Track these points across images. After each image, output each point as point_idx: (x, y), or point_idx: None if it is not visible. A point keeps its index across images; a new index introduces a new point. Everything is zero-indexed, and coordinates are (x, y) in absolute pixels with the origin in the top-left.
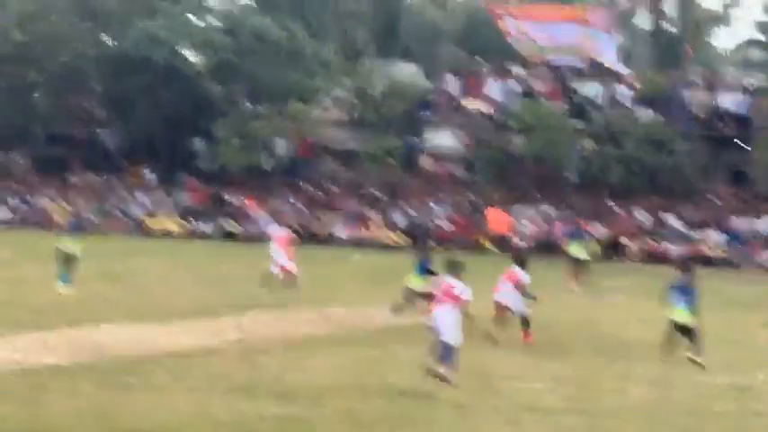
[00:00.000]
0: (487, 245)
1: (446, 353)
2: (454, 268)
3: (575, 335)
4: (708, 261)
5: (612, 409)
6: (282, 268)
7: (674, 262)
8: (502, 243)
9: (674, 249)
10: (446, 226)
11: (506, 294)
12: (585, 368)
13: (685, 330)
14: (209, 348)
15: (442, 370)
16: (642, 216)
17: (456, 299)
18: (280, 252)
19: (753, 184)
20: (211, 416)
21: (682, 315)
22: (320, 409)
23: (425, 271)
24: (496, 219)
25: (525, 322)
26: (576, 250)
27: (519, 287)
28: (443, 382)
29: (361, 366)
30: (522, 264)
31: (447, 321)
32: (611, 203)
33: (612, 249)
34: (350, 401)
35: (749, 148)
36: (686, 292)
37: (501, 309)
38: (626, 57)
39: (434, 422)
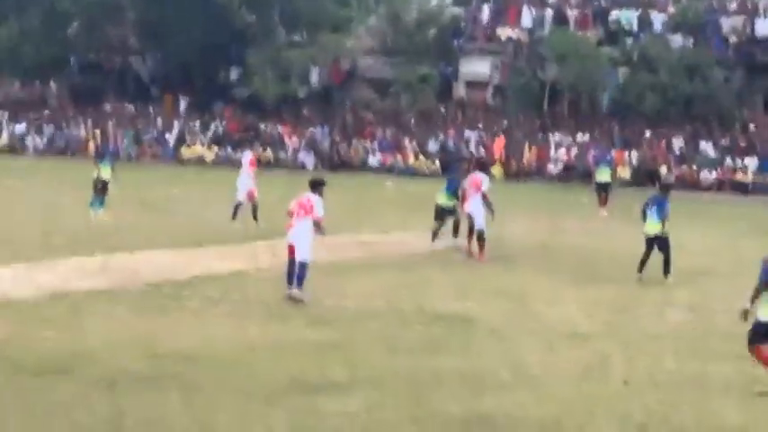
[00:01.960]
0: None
1: (301, 272)
2: (316, 185)
3: (609, 260)
4: (743, 187)
5: (649, 334)
6: (250, 193)
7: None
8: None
9: (708, 176)
10: (493, 153)
11: (473, 204)
12: (622, 294)
13: (658, 245)
14: (244, 273)
15: (296, 291)
16: (677, 143)
17: (310, 211)
18: (248, 177)
19: None
20: (247, 340)
21: (653, 226)
22: (356, 334)
23: (454, 190)
24: (495, 145)
25: (480, 237)
26: (602, 174)
27: (483, 196)
28: (299, 303)
29: (397, 291)
30: (483, 168)
31: (302, 239)
32: (646, 131)
33: (647, 176)
34: (385, 326)
35: None
36: (660, 205)
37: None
38: None
39: (470, 346)
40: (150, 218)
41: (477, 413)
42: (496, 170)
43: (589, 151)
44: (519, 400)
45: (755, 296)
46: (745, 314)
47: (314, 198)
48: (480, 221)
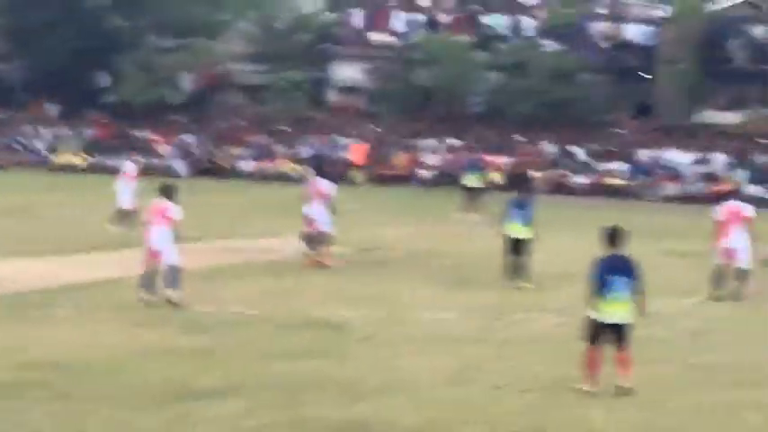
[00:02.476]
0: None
1: (173, 275)
2: (167, 191)
3: (481, 265)
4: (614, 192)
5: (521, 338)
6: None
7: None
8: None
9: (579, 180)
10: (351, 158)
11: (316, 210)
12: (494, 298)
13: (520, 249)
14: (114, 281)
15: (172, 293)
16: (549, 148)
17: (169, 219)
18: (127, 187)
19: (657, 116)
20: (120, 347)
21: (517, 229)
22: (230, 340)
23: None
24: (357, 152)
25: (322, 242)
26: (471, 180)
27: (327, 201)
28: (177, 306)
29: (271, 297)
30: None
31: (165, 244)
32: (517, 135)
33: (519, 181)
34: (259, 332)
35: (653, 79)
36: (523, 207)
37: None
38: None
39: (344, 352)
40: (17, 224)
41: (352, 418)
42: (359, 175)
43: (460, 156)
44: (393, 405)
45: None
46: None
47: (167, 203)
48: (324, 226)
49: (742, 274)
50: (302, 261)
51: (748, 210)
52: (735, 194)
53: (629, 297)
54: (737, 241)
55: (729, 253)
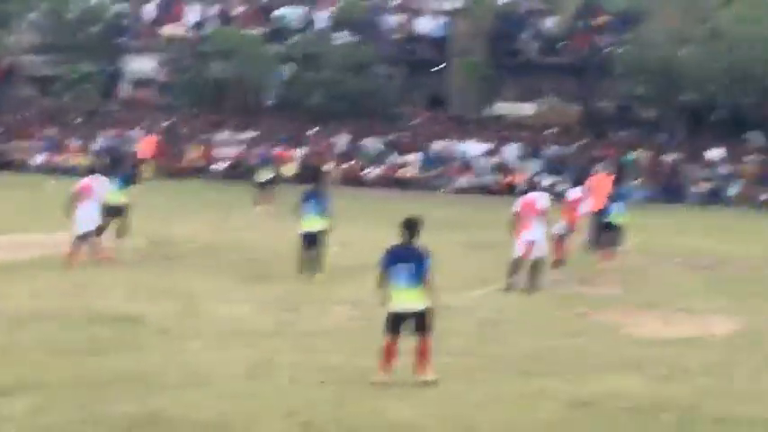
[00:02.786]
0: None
1: None
2: None
3: (276, 258)
4: (405, 183)
5: (316, 331)
6: None
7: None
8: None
9: (372, 172)
10: (143, 152)
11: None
12: (290, 291)
13: (314, 241)
14: None
15: None
16: (342, 139)
17: None
18: None
19: (450, 108)
20: None
21: (311, 222)
22: (20, 337)
23: (124, 185)
24: (147, 145)
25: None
26: (264, 173)
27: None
28: None
29: (63, 292)
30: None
31: None
32: (312, 127)
33: (312, 173)
34: (51, 328)
35: (446, 72)
36: (317, 199)
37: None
38: None
39: (138, 347)
40: None
41: (147, 413)
42: (148, 169)
43: (254, 149)
44: (188, 399)
45: (379, 283)
46: (383, 301)
47: None
48: (87, 224)
49: (537, 265)
50: (95, 256)
51: (543, 201)
52: (532, 187)
53: (419, 286)
54: (534, 233)
55: (527, 245)
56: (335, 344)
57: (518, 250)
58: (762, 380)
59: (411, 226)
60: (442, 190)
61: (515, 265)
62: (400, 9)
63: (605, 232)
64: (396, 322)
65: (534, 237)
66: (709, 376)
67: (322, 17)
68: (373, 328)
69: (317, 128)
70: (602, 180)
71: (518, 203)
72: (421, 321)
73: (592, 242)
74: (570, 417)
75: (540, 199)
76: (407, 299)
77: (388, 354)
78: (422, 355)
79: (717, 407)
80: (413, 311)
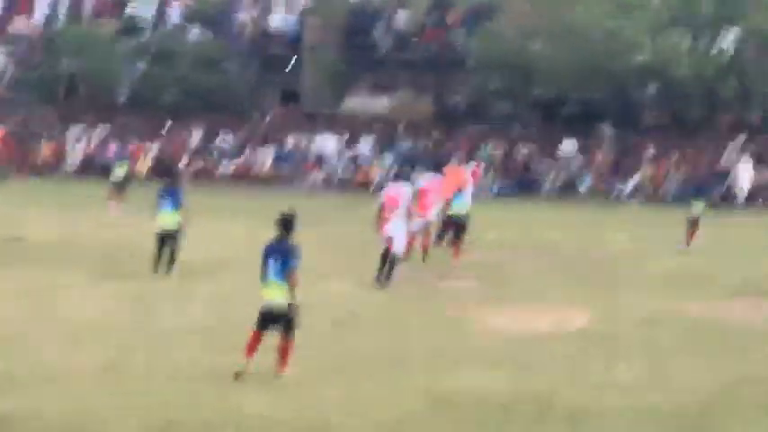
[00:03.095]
0: None
1: None
2: None
3: (130, 255)
4: (260, 179)
5: (171, 327)
6: None
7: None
8: None
9: (226, 168)
10: None
11: None
12: (144, 288)
13: (169, 237)
14: None
15: None
16: (196, 136)
17: None
18: None
19: (303, 103)
20: None
21: (167, 219)
22: None
23: None
24: None
25: None
26: (118, 170)
27: None
28: None
29: None
30: None
31: None
32: (165, 123)
33: (166, 169)
34: None
35: (299, 67)
36: (172, 196)
37: None
38: None
39: None
40: None
41: None
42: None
43: (108, 145)
44: (42, 396)
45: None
46: None
47: None
48: None
49: (393, 261)
50: None
51: (406, 194)
52: (398, 179)
53: (284, 282)
54: (394, 228)
55: (388, 239)
56: (190, 341)
57: (382, 243)
58: (616, 371)
59: (285, 222)
60: (296, 185)
61: (382, 260)
62: (252, 5)
63: (450, 226)
64: (265, 316)
65: (394, 231)
66: (565, 369)
67: (175, 13)
68: (229, 325)
69: (171, 124)
70: (454, 172)
71: (382, 195)
72: (285, 319)
73: (439, 236)
74: (429, 412)
75: (404, 192)
76: (273, 294)
77: (251, 346)
78: (282, 352)
79: (573, 399)
80: (278, 307)
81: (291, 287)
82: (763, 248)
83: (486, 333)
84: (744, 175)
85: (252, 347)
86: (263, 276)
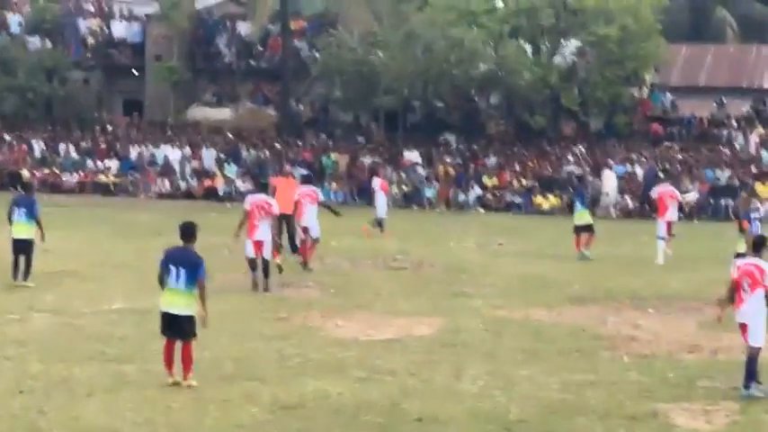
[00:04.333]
0: None
1: None
2: None
3: None
4: (106, 189)
5: (14, 339)
6: None
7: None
8: None
9: (70, 178)
10: None
11: None
12: None
13: (24, 248)
14: None
15: None
16: (38, 145)
17: None
18: None
19: (148, 112)
20: None
21: (22, 228)
22: None
23: None
24: None
25: None
26: None
27: None
28: None
29: None
30: None
31: None
32: (6, 133)
33: (10, 179)
34: None
35: (143, 76)
36: (26, 205)
37: None
38: None
39: None
40: None
41: None
42: None
43: None
44: None
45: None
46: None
47: None
48: None
49: (267, 266)
50: None
51: (272, 203)
52: (259, 190)
53: (190, 290)
54: (262, 234)
55: (256, 245)
56: (35, 352)
57: (249, 251)
58: (460, 379)
59: (187, 230)
60: (141, 195)
61: (251, 264)
62: (95, 14)
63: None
64: (167, 323)
65: (263, 237)
66: (411, 376)
67: (14, 21)
68: (74, 336)
69: (13, 133)
70: (285, 183)
71: (248, 202)
72: (185, 326)
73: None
74: (274, 420)
75: (269, 203)
76: (176, 301)
77: (167, 355)
78: (188, 360)
79: (418, 406)
80: (179, 315)
81: (203, 297)
82: (616, 256)
83: (332, 341)
84: (609, 182)
85: (169, 360)
86: (164, 283)
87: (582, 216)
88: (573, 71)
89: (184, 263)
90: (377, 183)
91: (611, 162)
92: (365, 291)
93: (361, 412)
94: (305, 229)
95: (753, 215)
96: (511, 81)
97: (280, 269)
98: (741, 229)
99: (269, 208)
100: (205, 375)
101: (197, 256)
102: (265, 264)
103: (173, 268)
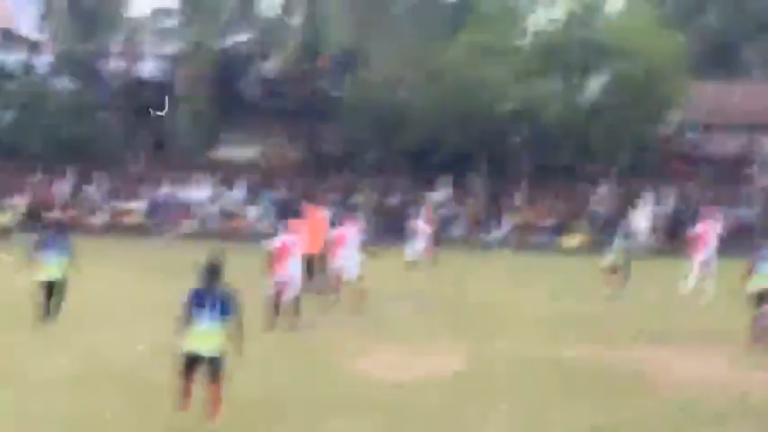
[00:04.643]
0: None
1: None
2: None
3: (13, 305)
4: (130, 229)
5: (42, 380)
6: None
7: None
8: None
9: (96, 219)
10: None
11: None
12: (12, 339)
13: (55, 288)
14: None
15: None
16: (65, 186)
17: None
18: None
19: (173, 152)
20: None
21: (53, 266)
22: None
23: None
24: None
25: None
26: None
27: None
28: None
29: None
30: None
31: None
32: (34, 174)
33: (37, 218)
34: None
35: (169, 116)
36: (59, 242)
37: None
38: (44, 24)
39: None
40: None
41: None
42: None
43: None
44: None
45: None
46: None
47: None
48: None
49: (294, 305)
50: None
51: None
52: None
53: (221, 331)
54: (289, 274)
55: (281, 285)
56: (67, 392)
57: (271, 289)
58: (491, 418)
59: (214, 268)
60: (167, 235)
61: (271, 305)
62: (122, 54)
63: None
64: (191, 364)
65: (286, 278)
66: (437, 418)
67: (42, 62)
68: (106, 376)
69: (41, 173)
70: (313, 222)
71: (274, 242)
72: (213, 367)
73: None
74: None
75: (294, 241)
76: (206, 341)
77: (185, 396)
78: (212, 400)
79: None
80: (209, 356)
81: (240, 335)
82: (644, 293)
83: (360, 379)
84: (640, 219)
85: (185, 396)
86: (189, 324)
87: (614, 257)
88: (599, 108)
89: (218, 301)
90: (418, 223)
91: (641, 201)
92: (393, 329)
93: None
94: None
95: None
96: (537, 119)
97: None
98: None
99: (297, 246)
100: (228, 415)
101: (231, 293)
102: (291, 302)
103: (201, 308)
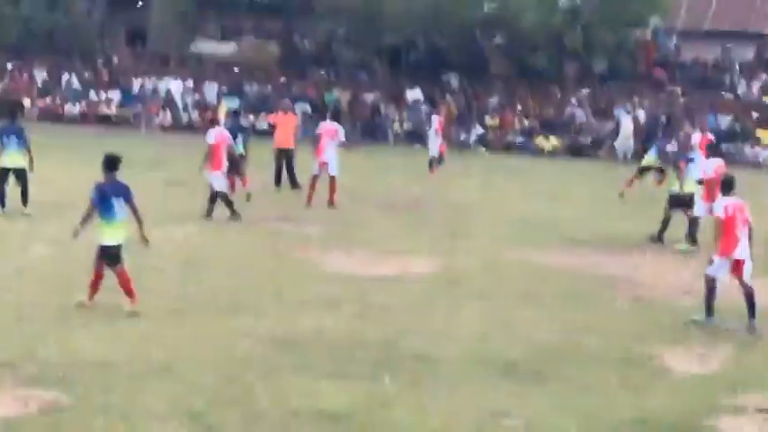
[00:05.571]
0: None
1: None
2: None
3: None
4: (107, 120)
5: (14, 268)
6: None
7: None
8: None
9: (71, 108)
10: None
11: None
12: None
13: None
14: None
15: None
16: (40, 75)
17: None
18: None
19: (151, 44)
20: None
21: (14, 158)
22: None
23: None
24: None
25: None
26: None
27: None
28: None
29: None
30: None
31: None
32: (8, 63)
33: (11, 108)
34: None
35: (147, 7)
36: (16, 135)
37: None
38: None
39: None
40: None
41: None
42: None
43: None
44: None
45: (86, 218)
46: (76, 233)
47: None
48: None
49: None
50: None
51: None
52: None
53: (124, 220)
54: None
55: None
56: (32, 282)
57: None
58: (458, 318)
59: (112, 161)
60: (143, 127)
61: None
62: None
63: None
64: (108, 255)
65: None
66: (408, 314)
67: None
68: (72, 267)
69: (15, 63)
70: (286, 118)
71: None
72: (116, 254)
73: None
74: (269, 354)
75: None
76: (120, 233)
77: (96, 284)
78: (125, 285)
79: (415, 345)
80: (118, 244)
81: (141, 222)
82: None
83: (330, 276)
84: (627, 126)
85: (96, 284)
86: (107, 216)
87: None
88: (577, 12)
89: (119, 194)
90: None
91: (628, 107)
92: (365, 228)
93: (357, 349)
94: (323, 165)
95: (691, 155)
96: (514, 22)
97: (248, 197)
98: (676, 168)
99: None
100: (200, 309)
101: (126, 186)
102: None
103: (113, 200)
